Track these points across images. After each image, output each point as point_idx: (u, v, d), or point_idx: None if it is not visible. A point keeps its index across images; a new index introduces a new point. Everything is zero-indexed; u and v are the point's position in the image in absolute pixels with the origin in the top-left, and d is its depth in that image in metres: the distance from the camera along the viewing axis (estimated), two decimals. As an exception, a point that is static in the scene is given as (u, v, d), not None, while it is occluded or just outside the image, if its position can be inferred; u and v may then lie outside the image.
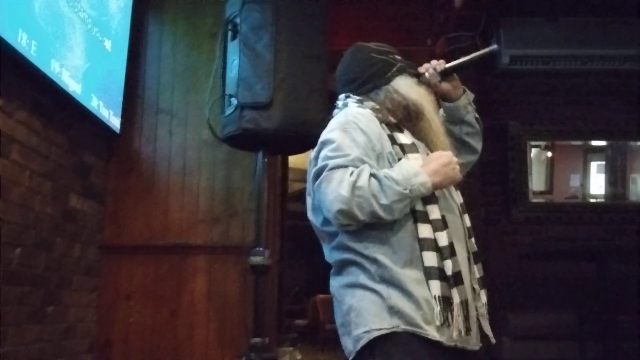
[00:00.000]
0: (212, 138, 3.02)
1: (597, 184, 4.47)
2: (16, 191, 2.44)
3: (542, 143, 4.40)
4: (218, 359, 3.21)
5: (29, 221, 2.55)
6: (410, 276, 1.39)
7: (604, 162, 4.48)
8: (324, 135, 1.55)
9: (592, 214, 4.19)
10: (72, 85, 2.79)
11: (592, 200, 4.44)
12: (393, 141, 1.51)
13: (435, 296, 1.37)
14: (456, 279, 1.41)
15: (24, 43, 2.35)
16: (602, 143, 4.45)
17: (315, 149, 1.58)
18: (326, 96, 2.57)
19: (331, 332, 9.23)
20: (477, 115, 1.73)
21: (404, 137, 1.53)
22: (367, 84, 1.62)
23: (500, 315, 3.68)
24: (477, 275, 1.53)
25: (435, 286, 1.38)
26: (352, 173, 1.39)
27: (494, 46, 1.92)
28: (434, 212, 1.44)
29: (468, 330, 1.41)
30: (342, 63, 1.72)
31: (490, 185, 4.13)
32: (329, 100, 2.59)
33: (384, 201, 1.37)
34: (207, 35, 3.56)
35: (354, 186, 1.37)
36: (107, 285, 3.30)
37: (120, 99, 3.37)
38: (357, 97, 1.62)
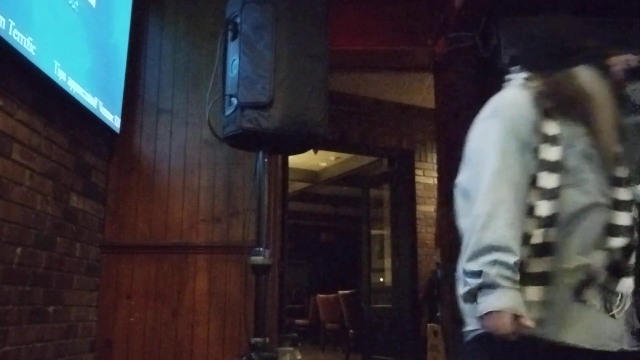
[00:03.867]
0: (212, 138, 3.02)
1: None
2: (17, 191, 2.44)
3: (542, 143, 4.40)
4: (219, 359, 3.22)
5: (30, 221, 2.55)
6: None
7: (604, 162, 4.49)
8: (479, 121, 1.53)
9: (592, 214, 4.19)
10: (73, 85, 2.80)
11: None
12: (537, 128, 1.45)
13: None
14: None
15: (24, 43, 2.36)
16: (602, 143, 4.46)
17: (472, 131, 1.54)
18: (326, 96, 2.57)
19: (331, 332, 9.24)
20: None
21: (550, 127, 1.45)
22: (545, 59, 1.55)
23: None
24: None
25: None
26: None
27: None
28: (542, 209, 1.41)
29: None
30: (533, 27, 1.64)
31: (490, 185, 4.12)
32: (329, 100, 2.61)
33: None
34: (208, 35, 3.56)
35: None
36: (108, 285, 3.31)
37: (121, 98, 3.37)
38: (528, 73, 1.55)
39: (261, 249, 2.53)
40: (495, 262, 1.32)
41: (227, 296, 3.28)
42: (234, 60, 2.52)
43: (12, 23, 2.26)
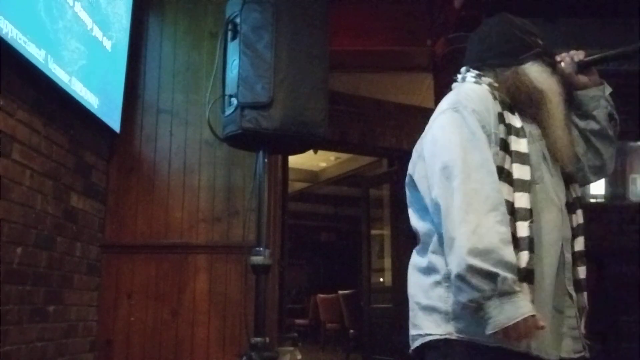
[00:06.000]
0: (212, 138, 3.03)
1: (597, 184, 4.48)
2: (17, 190, 2.45)
3: (542, 143, 4.41)
4: (219, 358, 3.22)
5: (30, 220, 2.56)
6: None
7: (604, 162, 4.49)
8: (436, 116, 1.47)
9: (592, 214, 4.20)
10: (73, 85, 2.80)
11: (592, 200, 4.45)
12: (501, 119, 1.41)
13: None
14: (527, 277, 1.29)
15: (24, 43, 2.36)
16: (602, 143, 4.47)
17: (429, 129, 1.49)
18: (326, 96, 2.58)
19: (331, 332, 9.24)
20: (615, 115, 1.59)
21: (514, 119, 1.43)
22: (495, 58, 1.53)
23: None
24: (580, 277, 1.46)
25: None
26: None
27: None
28: (522, 201, 1.34)
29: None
30: (479, 30, 1.63)
31: (490, 185, 4.13)
32: (329, 100, 2.61)
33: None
34: (208, 35, 3.57)
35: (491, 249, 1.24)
36: (109, 284, 3.31)
37: (121, 98, 3.37)
38: (476, 72, 1.54)
39: (261, 249, 2.53)
40: (505, 264, 1.23)
41: (227, 296, 3.28)
42: (234, 60, 2.52)
43: (13, 24, 2.26)
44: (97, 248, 3.29)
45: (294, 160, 6.77)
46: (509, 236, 1.28)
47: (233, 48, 2.55)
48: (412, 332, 1.44)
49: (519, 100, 1.47)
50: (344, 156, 8.40)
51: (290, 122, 2.45)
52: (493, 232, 1.25)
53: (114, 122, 3.30)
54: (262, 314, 2.52)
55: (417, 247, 1.52)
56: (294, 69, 2.48)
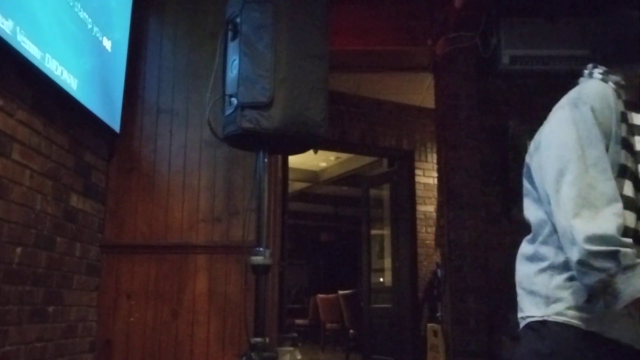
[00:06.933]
0: (212, 138, 3.02)
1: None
2: (17, 191, 2.44)
3: (542, 143, 4.40)
4: (219, 358, 3.22)
5: (30, 221, 2.56)
6: None
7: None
8: (555, 110, 1.48)
9: (592, 214, 4.20)
10: (73, 85, 2.80)
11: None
12: (623, 118, 1.41)
13: None
14: None
15: (24, 43, 2.36)
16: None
17: (547, 123, 1.52)
18: (326, 96, 2.57)
19: (331, 332, 9.24)
20: None
21: (638, 118, 1.42)
22: (624, 54, 1.51)
23: (501, 314, 3.69)
24: None
25: None
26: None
27: None
28: None
29: None
30: (606, 24, 1.61)
31: (490, 185, 4.13)
32: (329, 100, 2.61)
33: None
34: (208, 35, 3.57)
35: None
36: (108, 285, 3.31)
37: (120, 98, 3.37)
38: (604, 68, 1.52)
39: (261, 249, 2.52)
40: (624, 245, 1.27)
41: (227, 296, 3.28)
42: (234, 60, 2.52)
43: (14, 25, 2.26)
44: (97, 248, 3.29)
45: (294, 160, 6.78)
46: (622, 228, 1.30)
47: (233, 48, 2.55)
48: (518, 315, 1.51)
49: None
50: (344, 156, 8.40)
51: (290, 122, 2.44)
52: (611, 222, 1.29)
53: (114, 122, 3.30)
54: (262, 314, 2.51)
55: (528, 237, 1.57)
56: (294, 69, 2.48)
